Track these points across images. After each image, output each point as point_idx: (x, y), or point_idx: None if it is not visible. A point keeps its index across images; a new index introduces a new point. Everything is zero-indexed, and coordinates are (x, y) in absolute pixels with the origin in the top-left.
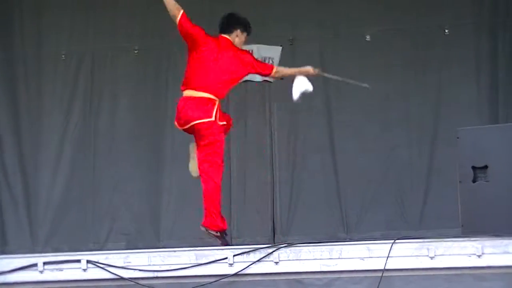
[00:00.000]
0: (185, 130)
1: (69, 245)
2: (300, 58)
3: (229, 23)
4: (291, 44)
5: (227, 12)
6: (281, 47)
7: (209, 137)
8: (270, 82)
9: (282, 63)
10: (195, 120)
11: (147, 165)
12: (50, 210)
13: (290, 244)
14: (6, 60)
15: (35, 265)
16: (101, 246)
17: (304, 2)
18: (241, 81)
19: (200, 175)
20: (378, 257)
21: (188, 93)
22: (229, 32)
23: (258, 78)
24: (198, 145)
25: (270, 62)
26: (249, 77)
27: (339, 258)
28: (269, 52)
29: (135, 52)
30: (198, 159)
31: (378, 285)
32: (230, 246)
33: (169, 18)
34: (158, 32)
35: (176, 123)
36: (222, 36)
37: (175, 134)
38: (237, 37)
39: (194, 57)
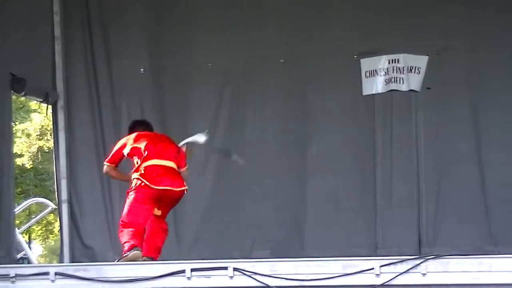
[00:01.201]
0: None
1: (214, 252)
2: (447, 68)
3: None
4: (438, 54)
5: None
6: (427, 57)
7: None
8: (417, 91)
9: (428, 73)
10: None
11: (293, 174)
12: (195, 217)
13: (438, 256)
14: (155, 70)
15: (183, 271)
16: (246, 254)
17: (453, 10)
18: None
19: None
20: None
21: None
22: None
23: (404, 87)
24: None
25: (417, 71)
26: (394, 86)
27: (489, 271)
28: (416, 62)
29: (281, 61)
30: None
31: None
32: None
33: (318, 28)
34: (305, 42)
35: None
36: None
37: (321, 143)
38: None
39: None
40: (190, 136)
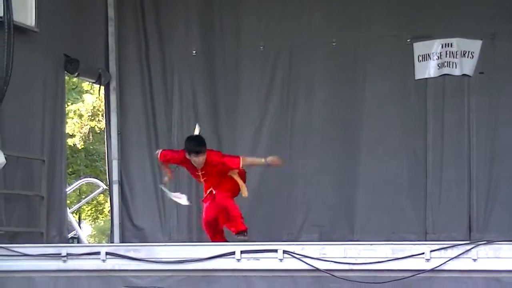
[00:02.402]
0: None
1: (263, 235)
2: (501, 53)
3: None
4: (492, 39)
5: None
6: (481, 41)
7: None
8: (470, 76)
9: (481, 57)
10: None
11: (342, 157)
12: (245, 200)
13: (489, 242)
14: (207, 52)
15: (232, 253)
16: (294, 237)
17: None
18: None
19: None
20: None
21: None
22: None
23: (457, 71)
24: None
25: (470, 56)
26: (447, 70)
27: None
28: (469, 46)
29: (333, 44)
30: None
31: None
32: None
33: (369, 12)
34: (355, 26)
35: None
36: None
37: (371, 127)
38: None
39: None
40: None
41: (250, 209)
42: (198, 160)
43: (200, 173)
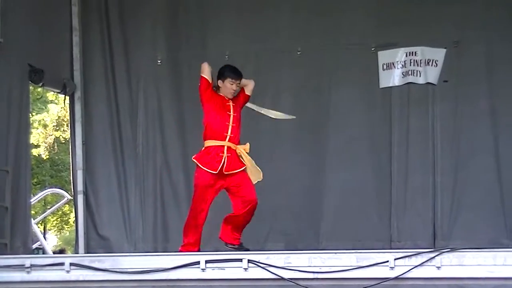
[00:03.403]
0: None
1: None
2: (465, 61)
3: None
4: (456, 47)
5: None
6: (445, 50)
7: None
8: (434, 84)
9: (445, 65)
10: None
11: (309, 165)
12: (210, 211)
13: (453, 249)
14: (172, 61)
15: (197, 262)
16: (260, 246)
17: (470, 3)
18: None
19: None
20: None
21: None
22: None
23: (421, 80)
24: None
25: (434, 64)
26: (411, 79)
27: (503, 265)
28: (433, 55)
29: (298, 53)
30: None
31: None
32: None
33: (334, 20)
34: (321, 35)
35: None
36: None
37: (337, 135)
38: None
39: None
40: None
41: (215, 218)
42: (237, 87)
43: (231, 113)
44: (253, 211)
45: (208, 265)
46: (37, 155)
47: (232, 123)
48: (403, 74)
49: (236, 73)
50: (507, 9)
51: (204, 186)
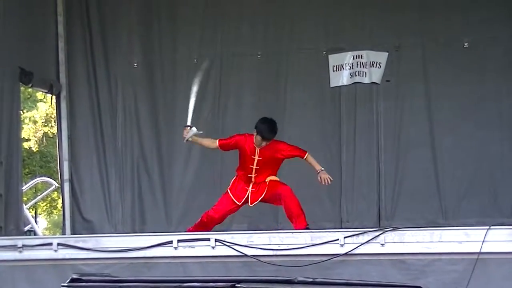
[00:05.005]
0: None
1: None
2: (405, 63)
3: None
4: (396, 51)
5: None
6: (387, 53)
7: None
8: (378, 84)
9: (388, 67)
10: None
11: None
12: (182, 195)
13: (395, 228)
14: (147, 65)
15: (170, 242)
16: (226, 227)
17: (409, 13)
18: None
19: None
20: (474, 241)
21: None
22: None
23: (366, 80)
24: None
25: (378, 66)
26: (358, 79)
27: (439, 241)
28: (377, 58)
29: (258, 56)
30: None
31: (474, 266)
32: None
33: (289, 27)
34: (278, 40)
35: None
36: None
37: (293, 129)
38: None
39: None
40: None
41: (187, 204)
42: (266, 143)
43: (256, 157)
44: (289, 198)
45: (180, 244)
46: (28, 148)
47: (256, 166)
48: (350, 75)
49: (268, 136)
50: (441, 18)
51: None
